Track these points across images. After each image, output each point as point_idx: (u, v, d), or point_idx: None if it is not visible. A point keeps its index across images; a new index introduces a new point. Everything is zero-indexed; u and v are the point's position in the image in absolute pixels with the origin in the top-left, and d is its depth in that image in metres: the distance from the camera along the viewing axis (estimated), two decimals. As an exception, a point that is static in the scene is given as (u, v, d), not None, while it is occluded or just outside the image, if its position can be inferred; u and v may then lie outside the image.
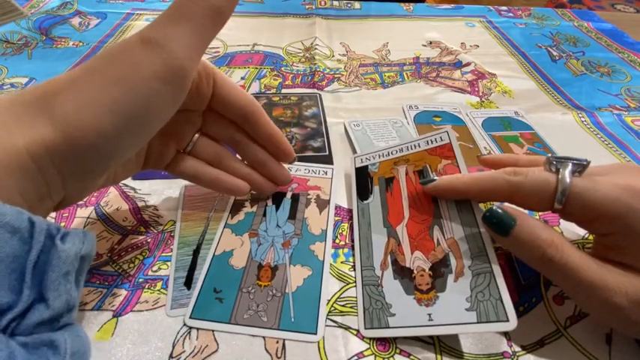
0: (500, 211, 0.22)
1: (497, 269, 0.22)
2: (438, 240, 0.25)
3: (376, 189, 0.30)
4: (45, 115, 0.17)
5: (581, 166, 0.22)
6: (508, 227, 0.22)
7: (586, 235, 0.29)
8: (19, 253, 0.15)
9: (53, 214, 0.29)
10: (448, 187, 0.25)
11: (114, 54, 0.19)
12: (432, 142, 0.30)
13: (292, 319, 0.23)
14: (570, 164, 0.22)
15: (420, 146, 0.30)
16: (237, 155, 0.29)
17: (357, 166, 0.32)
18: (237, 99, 0.25)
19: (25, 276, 0.15)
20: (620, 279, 0.20)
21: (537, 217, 0.31)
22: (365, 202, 0.30)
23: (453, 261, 0.24)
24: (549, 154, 0.23)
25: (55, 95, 0.18)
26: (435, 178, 0.26)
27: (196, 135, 0.27)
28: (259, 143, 0.27)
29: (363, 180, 0.31)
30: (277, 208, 0.30)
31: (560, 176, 0.21)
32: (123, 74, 0.18)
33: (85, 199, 0.30)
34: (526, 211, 0.30)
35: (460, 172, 0.27)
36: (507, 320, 0.20)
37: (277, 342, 0.23)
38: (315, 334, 0.23)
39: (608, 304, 0.20)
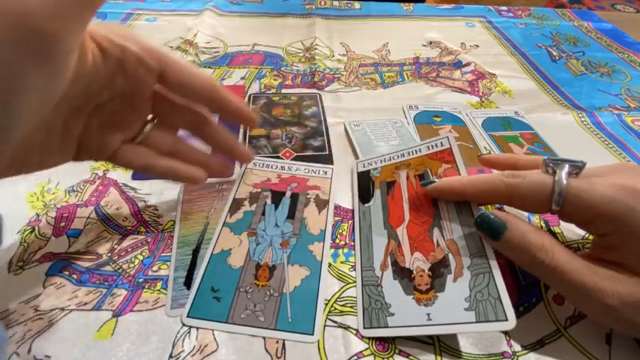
0: (491, 216, 0.23)
1: (496, 269, 0.22)
2: (437, 241, 0.25)
3: (377, 192, 0.30)
4: None
5: (577, 168, 0.22)
6: (498, 232, 0.22)
7: (586, 235, 0.29)
8: None
9: (53, 214, 0.29)
10: (447, 189, 0.26)
11: None
12: (432, 147, 0.30)
13: (289, 320, 0.23)
14: (566, 166, 0.22)
15: (421, 151, 0.30)
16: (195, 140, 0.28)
17: (359, 170, 0.33)
18: (199, 83, 0.24)
19: None
20: (611, 281, 0.20)
21: (537, 217, 0.31)
22: (366, 205, 0.30)
23: (452, 261, 0.24)
24: (545, 157, 0.23)
25: None
26: (435, 180, 0.26)
27: (148, 125, 0.26)
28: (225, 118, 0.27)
29: (364, 184, 0.31)
30: (276, 208, 0.30)
31: (556, 178, 0.21)
32: None
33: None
34: (525, 214, 0.30)
35: (460, 175, 0.27)
36: (506, 319, 0.21)
37: (277, 342, 0.23)
38: (312, 334, 0.23)
39: (600, 305, 0.20)
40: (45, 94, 0.17)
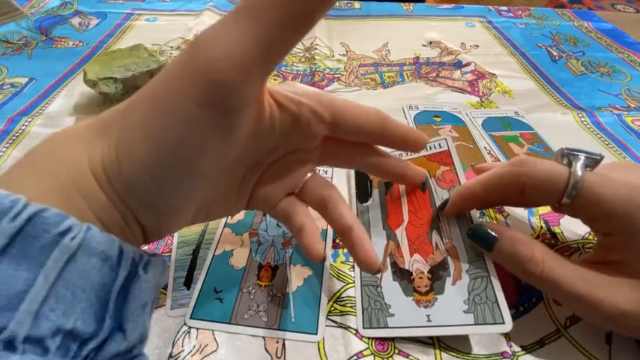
0: (483, 227, 0.23)
1: (493, 273, 0.23)
2: (436, 244, 0.25)
3: (375, 192, 0.30)
4: (105, 137, 0.17)
5: (593, 161, 0.21)
6: (490, 244, 0.22)
7: (586, 236, 0.29)
8: (107, 281, 0.15)
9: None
10: (461, 200, 0.25)
11: (168, 64, 0.16)
12: (430, 148, 0.30)
13: (293, 320, 0.23)
14: (583, 157, 0.21)
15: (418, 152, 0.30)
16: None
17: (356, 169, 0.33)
18: (370, 123, 0.22)
19: (108, 304, 0.15)
20: (608, 288, 0.20)
21: (537, 217, 0.31)
22: (364, 204, 0.30)
23: (451, 265, 0.24)
24: (563, 147, 0.22)
25: (115, 118, 0.17)
26: (447, 197, 0.26)
27: (309, 174, 0.24)
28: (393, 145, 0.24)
29: (362, 183, 0.31)
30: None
31: (572, 169, 0.21)
32: (157, 93, 0.16)
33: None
34: (525, 214, 0.30)
35: (458, 178, 0.27)
36: (503, 323, 0.21)
37: (277, 342, 0.23)
38: (316, 334, 0.23)
39: (597, 313, 0.20)
40: (221, 151, 0.17)
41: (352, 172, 0.33)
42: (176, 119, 0.15)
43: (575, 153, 0.21)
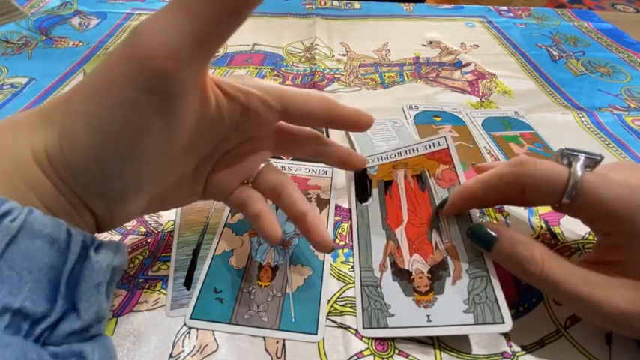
0: (482, 227, 0.23)
1: (493, 273, 0.23)
2: (436, 244, 0.25)
3: (375, 192, 0.30)
4: (47, 124, 0.17)
5: (593, 161, 0.21)
6: (489, 243, 0.22)
7: (586, 236, 0.29)
8: (56, 263, 0.15)
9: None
10: (460, 200, 0.25)
11: (108, 54, 0.17)
12: (430, 146, 0.30)
13: (293, 320, 0.23)
14: (583, 158, 0.21)
15: (418, 150, 0.30)
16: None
17: None
18: (318, 108, 0.23)
19: (59, 285, 0.15)
20: (608, 289, 0.20)
21: (537, 217, 0.31)
22: (364, 204, 0.30)
23: (450, 264, 0.24)
24: (562, 147, 0.22)
25: (57, 106, 0.17)
26: (447, 196, 0.26)
27: (262, 164, 0.25)
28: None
29: (362, 182, 0.31)
30: (277, 208, 0.30)
31: (572, 169, 0.21)
32: (99, 81, 0.16)
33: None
34: (525, 214, 0.30)
35: (458, 177, 0.27)
36: (503, 322, 0.21)
37: (277, 342, 0.23)
38: (316, 334, 0.23)
39: (596, 314, 0.20)
40: (164, 135, 0.18)
41: (352, 172, 0.32)
42: (116, 103, 0.16)
43: (575, 153, 0.21)
